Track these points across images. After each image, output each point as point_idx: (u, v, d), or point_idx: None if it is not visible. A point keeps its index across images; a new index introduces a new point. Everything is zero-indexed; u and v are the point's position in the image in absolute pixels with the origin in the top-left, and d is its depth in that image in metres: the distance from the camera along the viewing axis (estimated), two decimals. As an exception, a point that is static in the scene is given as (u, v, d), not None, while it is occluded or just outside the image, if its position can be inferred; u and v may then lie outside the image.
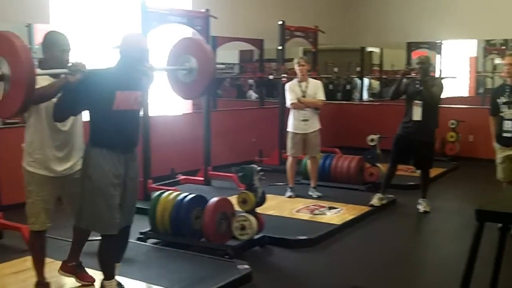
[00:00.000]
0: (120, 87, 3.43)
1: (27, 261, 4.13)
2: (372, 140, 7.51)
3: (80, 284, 4.04)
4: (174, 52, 4.32)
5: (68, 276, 4.07)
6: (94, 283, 4.03)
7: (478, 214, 2.66)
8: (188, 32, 7.07)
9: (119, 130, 3.48)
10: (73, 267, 4.06)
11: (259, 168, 5.14)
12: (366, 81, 15.54)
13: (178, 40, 4.39)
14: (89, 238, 4.09)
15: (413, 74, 6.47)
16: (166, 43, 4.58)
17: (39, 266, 3.90)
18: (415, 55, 11.42)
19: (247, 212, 4.93)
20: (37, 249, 3.89)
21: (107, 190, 3.43)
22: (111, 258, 3.66)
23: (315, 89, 6.79)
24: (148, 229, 5.16)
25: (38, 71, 3.36)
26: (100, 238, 3.66)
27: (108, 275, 3.63)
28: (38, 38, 6.53)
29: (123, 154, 3.52)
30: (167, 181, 7.39)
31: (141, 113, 6.27)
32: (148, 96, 6.46)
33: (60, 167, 3.71)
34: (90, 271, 4.09)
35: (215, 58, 4.20)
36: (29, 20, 7.08)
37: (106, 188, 3.43)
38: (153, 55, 5.67)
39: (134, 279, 4.16)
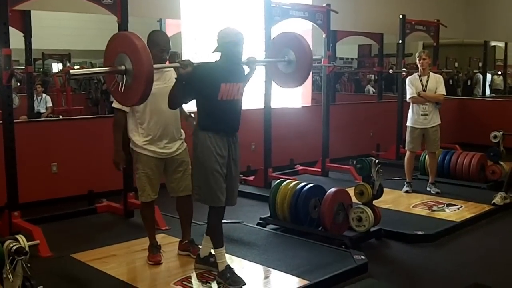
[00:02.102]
0: (224, 79, 3.74)
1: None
2: (495, 137, 7.29)
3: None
4: (274, 45, 4.53)
5: (183, 254, 4.43)
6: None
7: None
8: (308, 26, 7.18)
9: (222, 117, 3.80)
10: (186, 245, 4.45)
11: (377, 160, 5.13)
12: (488, 76, 14.94)
13: (278, 34, 4.59)
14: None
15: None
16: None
17: (149, 231, 4.42)
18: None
19: (364, 204, 4.93)
20: (147, 217, 4.42)
21: (213, 167, 3.75)
22: (219, 228, 3.94)
23: (436, 83, 6.67)
24: (267, 215, 5.34)
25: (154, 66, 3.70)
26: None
27: (217, 243, 3.92)
28: (169, 32, 6.92)
29: (226, 137, 3.84)
30: (286, 171, 7.61)
31: (260, 104, 6.56)
32: (270, 88, 6.72)
33: (161, 150, 4.20)
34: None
35: (311, 51, 4.39)
36: (161, 15, 7.49)
37: (211, 165, 3.75)
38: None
39: (254, 262, 4.37)
